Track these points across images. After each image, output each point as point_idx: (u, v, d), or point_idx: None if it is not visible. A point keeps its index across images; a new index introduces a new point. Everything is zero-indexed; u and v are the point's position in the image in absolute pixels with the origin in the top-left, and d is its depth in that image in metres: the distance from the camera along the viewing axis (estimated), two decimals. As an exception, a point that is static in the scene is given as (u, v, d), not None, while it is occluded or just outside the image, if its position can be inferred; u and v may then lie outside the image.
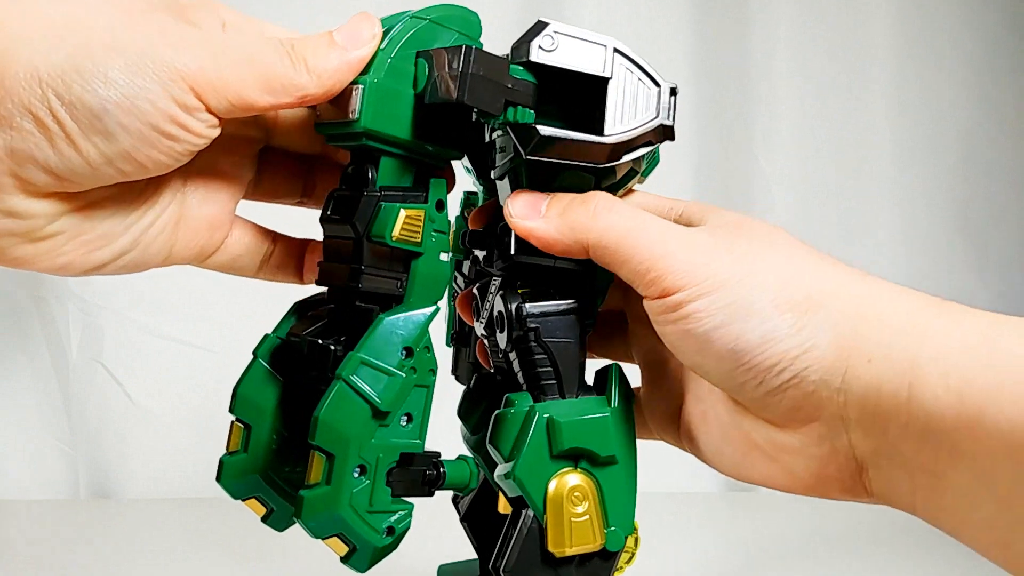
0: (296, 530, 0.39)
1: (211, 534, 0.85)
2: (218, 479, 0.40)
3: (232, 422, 0.40)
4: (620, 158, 0.38)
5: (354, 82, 0.36)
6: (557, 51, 0.37)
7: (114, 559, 0.80)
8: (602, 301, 0.43)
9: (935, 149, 1.13)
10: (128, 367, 0.98)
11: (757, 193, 1.10)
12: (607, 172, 0.39)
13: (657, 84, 0.38)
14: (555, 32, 0.37)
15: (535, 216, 0.38)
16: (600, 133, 0.37)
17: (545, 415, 0.38)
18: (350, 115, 0.36)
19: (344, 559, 0.38)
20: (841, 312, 0.35)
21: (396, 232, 0.38)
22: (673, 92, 0.39)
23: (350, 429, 0.36)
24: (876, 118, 1.12)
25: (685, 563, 0.82)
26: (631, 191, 0.42)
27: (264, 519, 0.41)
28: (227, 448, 0.40)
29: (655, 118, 0.38)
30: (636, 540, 0.41)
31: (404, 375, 0.37)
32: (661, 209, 0.41)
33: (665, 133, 0.39)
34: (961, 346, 0.32)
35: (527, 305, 0.40)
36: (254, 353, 0.40)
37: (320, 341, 0.38)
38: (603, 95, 0.37)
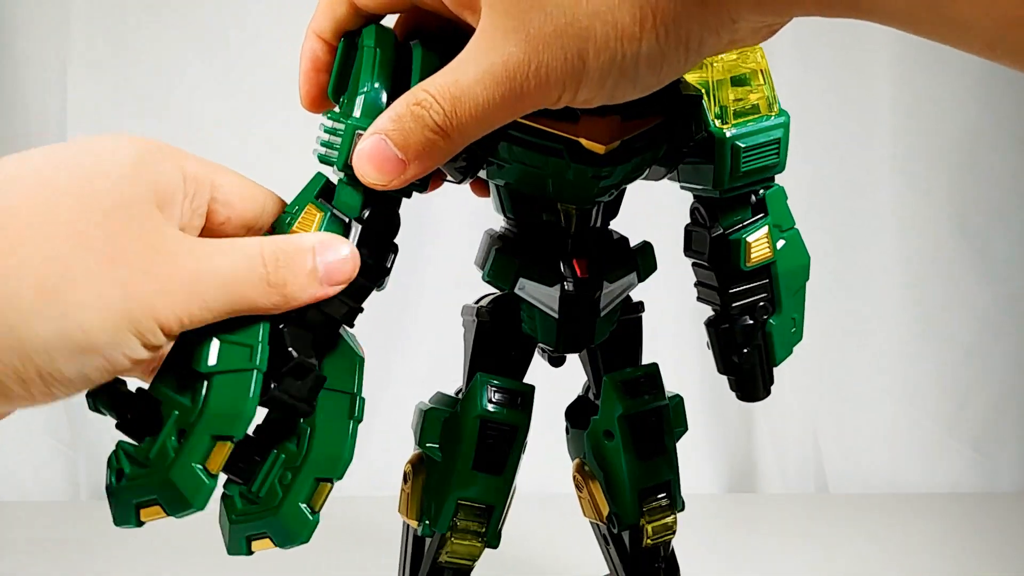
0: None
1: (211, 535, 0.84)
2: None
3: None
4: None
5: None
6: None
7: (114, 560, 0.80)
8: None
9: (935, 149, 1.13)
10: (128, 368, 0.98)
11: (757, 193, 1.10)
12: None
13: None
14: None
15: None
16: None
17: None
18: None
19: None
20: None
21: None
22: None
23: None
24: (876, 118, 1.12)
25: (685, 563, 0.82)
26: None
27: None
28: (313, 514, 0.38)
29: None
30: (474, 545, 0.43)
31: None
32: None
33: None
34: None
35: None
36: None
37: None
38: None
